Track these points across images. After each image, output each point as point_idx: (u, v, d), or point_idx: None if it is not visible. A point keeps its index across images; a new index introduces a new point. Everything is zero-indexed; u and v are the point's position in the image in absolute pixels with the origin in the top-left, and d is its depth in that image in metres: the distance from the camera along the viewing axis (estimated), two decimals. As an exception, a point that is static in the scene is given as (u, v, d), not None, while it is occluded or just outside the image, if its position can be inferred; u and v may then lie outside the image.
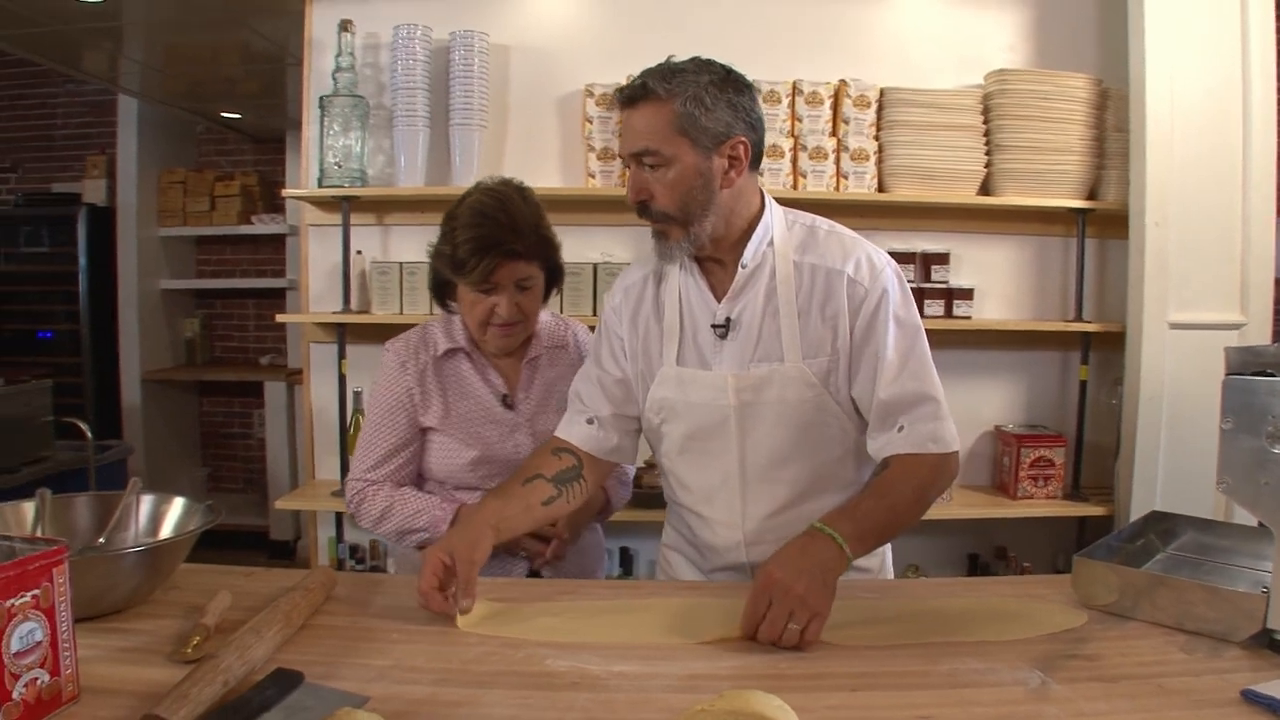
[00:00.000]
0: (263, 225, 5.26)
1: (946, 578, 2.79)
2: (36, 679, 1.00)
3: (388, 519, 1.79)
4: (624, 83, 2.76)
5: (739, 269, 1.51)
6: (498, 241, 1.65)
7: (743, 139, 1.44)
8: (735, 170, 1.45)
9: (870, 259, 1.50)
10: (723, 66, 1.46)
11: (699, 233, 1.46)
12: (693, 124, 1.41)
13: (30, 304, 5.11)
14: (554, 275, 1.80)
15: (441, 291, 1.82)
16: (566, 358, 1.89)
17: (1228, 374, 1.28)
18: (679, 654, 1.21)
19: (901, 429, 1.46)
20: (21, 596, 0.99)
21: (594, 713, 1.03)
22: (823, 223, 1.56)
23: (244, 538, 4.96)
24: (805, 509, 1.51)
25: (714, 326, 1.52)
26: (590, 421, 1.62)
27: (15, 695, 0.97)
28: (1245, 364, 1.28)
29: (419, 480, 1.88)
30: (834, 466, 1.55)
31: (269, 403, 5.16)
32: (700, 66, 1.44)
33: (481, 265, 1.66)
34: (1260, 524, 1.30)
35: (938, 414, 1.47)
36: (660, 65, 1.45)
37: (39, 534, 1.45)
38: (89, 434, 3.48)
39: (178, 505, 1.53)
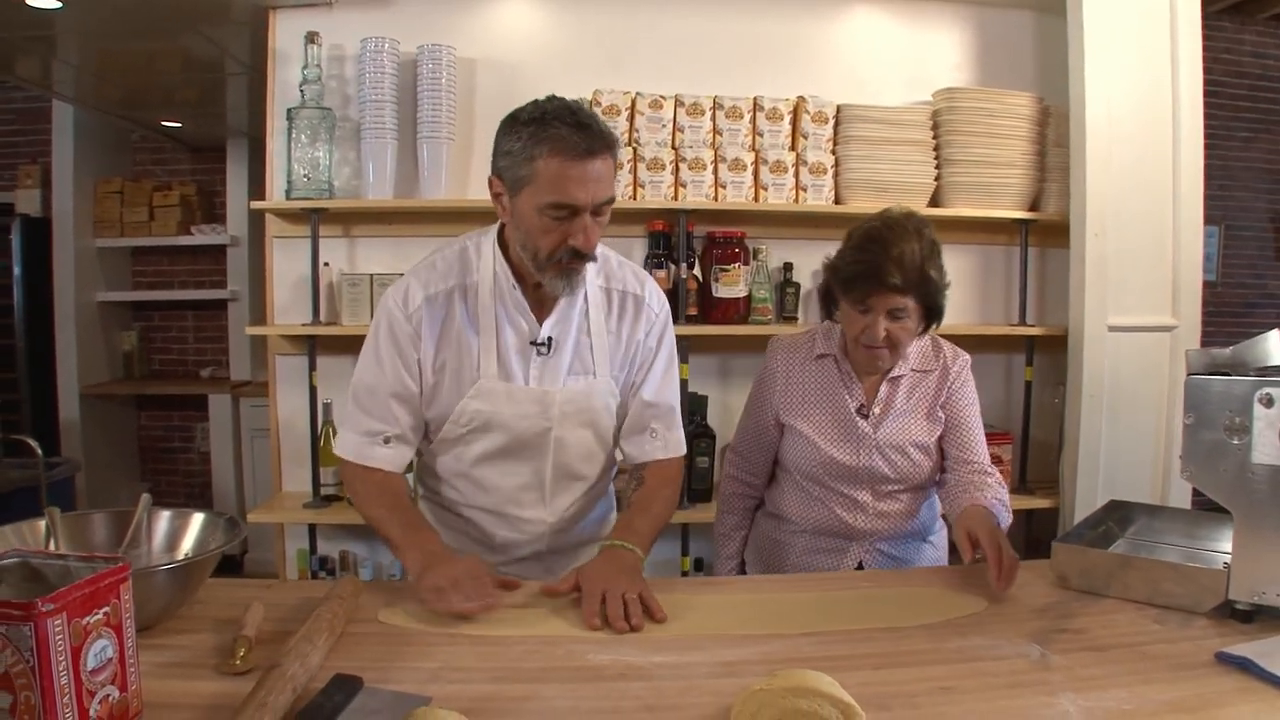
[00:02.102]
0: (202, 236, 5.16)
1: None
2: (109, 696, 1.02)
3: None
4: (589, 98, 2.92)
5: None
6: (877, 269, 1.68)
7: None
8: None
9: (659, 290, 1.76)
10: None
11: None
12: (614, 169, 1.53)
13: (-38, 317, 4.91)
14: (932, 313, 1.78)
15: (827, 298, 1.85)
16: (929, 382, 1.88)
17: (1189, 374, 1.43)
18: (705, 644, 1.29)
19: (654, 433, 1.73)
20: (95, 614, 1.00)
21: (648, 700, 1.11)
22: (610, 252, 1.73)
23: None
24: (593, 493, 1.78)
25: (535, 344, 1.62)
26: (386, 442, 1.62)
27: (92, 713, 0.99)
28: (1204, 366, 1.42)
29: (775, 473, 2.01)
30: (612, 454, 1.78)
31: (213, 416, 5.06)
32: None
33: (857, 289, 1.72)
34: (1199, 507, 1.45)
35: (680, 424, 1.78)
36: (580, 109, 1.48)
37: (52, 550, 1.46)
38: (39, 451, 3.39)
39: (196, 520, 1.56)
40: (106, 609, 1.03)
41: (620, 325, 1.69)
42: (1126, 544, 1.75)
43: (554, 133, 1.42)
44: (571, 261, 1.51)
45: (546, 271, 1.53)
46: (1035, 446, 3.19)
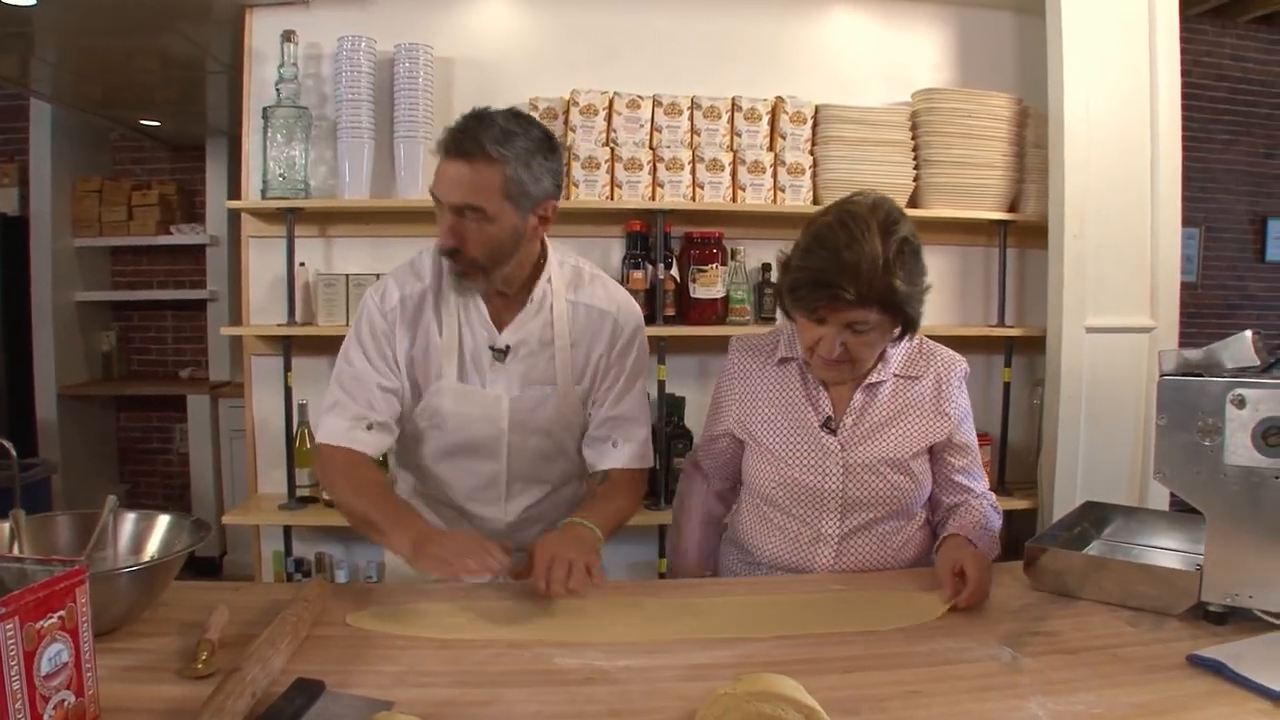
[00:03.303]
0: (182, 236, 5.12)
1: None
2: (64, 701, 1.00)
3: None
4: (566, 97, 2.90)
5: (528, 303, 1.66)
6: (827, 282, 1.45)
7: (554, 200, 1.61)
8: (543, 226, 1.62)
9: (629, 303, 1.76)
10: (542, 128, 1.59)
11: (497, 278, 1.61)
12: (519, 189, 1.53)
13: (-63, 317, 4.86)
14: (905, 324, 1.55)
15: (782, 297, 1.60)
16: (918, 391, 1.67)
17: (1162, 375, 1.42)
18: (675, 648, 1.28)
19: (615, 444, 1.72)
20: (49, 618, 0.99)
21: (614, 705, 1.10)
22: (586, 264, 1.76)
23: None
24: (558, 496, 1.80)
25: (494, 350, 1.66)
26: (370, 428, 1.64)
27: (46, 718, 0.97)
28: (1177, 366, 1.42)
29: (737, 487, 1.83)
30: (577, 460, 1.79)
31: (192, 417, 5.02)
32: (525, 127, 1.55)
33: (804, 301, 1.50)
34: (1177, 508, 1.45)
35: (647, 438, 1.76)
36: (488, 119, 1.52)
37: (16, 553, 1.44)
38: (13, 453, 3.35)
39: (162, 522, 1.54)
40: (61, 613, 1.01)
41: (584, 338, 1.70)
42: (1102, 545, 1.75)
43: (444, 133, 1.54)
44: (451, 262, 1.57)
45: (449, 274, 1.61)
46: (1013, 448, 3.19)
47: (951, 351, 1.73)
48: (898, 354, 1.66)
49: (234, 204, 2.96)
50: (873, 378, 1.64)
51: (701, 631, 1.34)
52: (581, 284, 1.71)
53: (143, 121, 4.93)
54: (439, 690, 1.14)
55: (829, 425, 1.64)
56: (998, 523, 1.69)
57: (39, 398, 4.88)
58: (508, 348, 1.66)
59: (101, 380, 5.29)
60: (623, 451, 1.72)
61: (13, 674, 0.94)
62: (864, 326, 1.50)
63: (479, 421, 1.67)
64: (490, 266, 1.58)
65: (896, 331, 1.57)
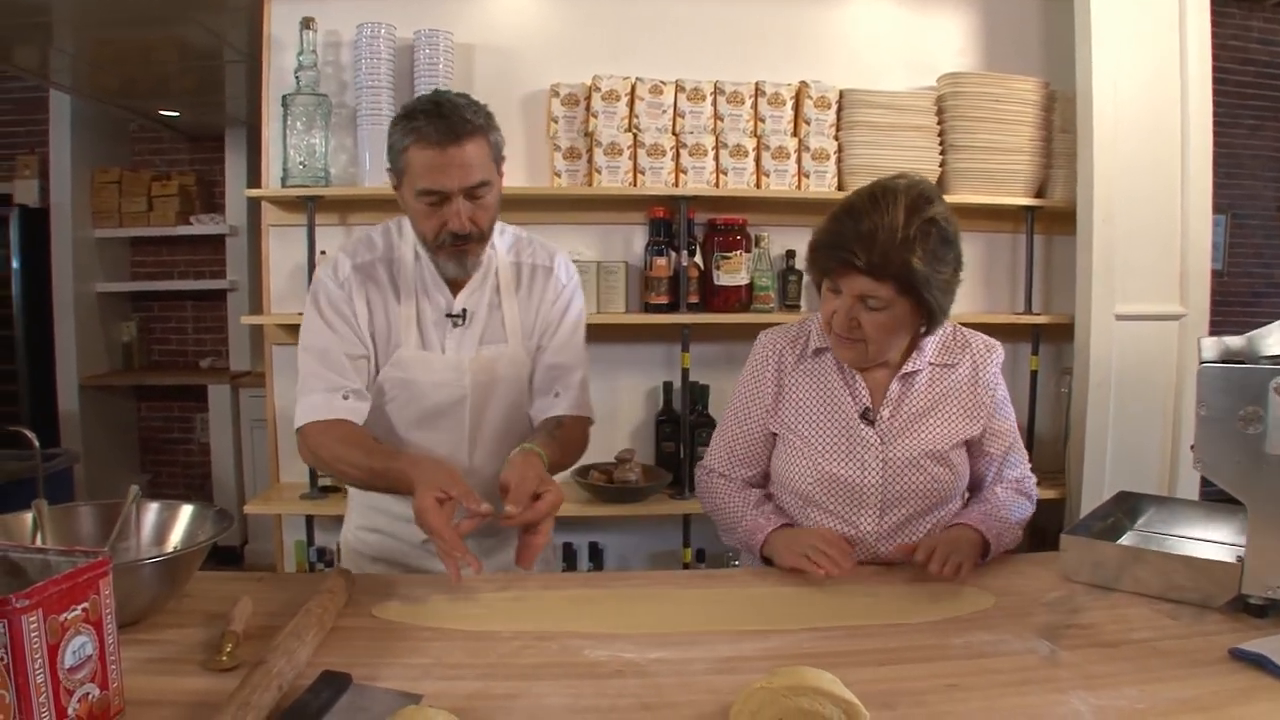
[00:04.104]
0: (201, 226, 5.14)
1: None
2: (88, 694, 0.99)
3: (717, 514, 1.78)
4: (588, 83, 2.88)
5: (478, 267, 1.69)
6: (840, 245, 1.47)
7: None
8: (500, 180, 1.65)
9: (569, 263, 1.81)
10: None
11: (489, 243, 1.68)
12: (497, 150, 1.60)
13: (-40, 308, 4.90)
14: (927, 312, 1.51)
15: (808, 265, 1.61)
16: (955, 379, 1.64)
17: (1201, 363, 1.39)
18: (705, 640, 1.26)
19: (558, 394, 1.74)
20: (73, 610, 0.98)
21: (645, 698, 1.08)
22: (522, 230, 1.81)
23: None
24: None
25: (450, 316, 1.69)
26: (346, 398, 1.63)
27: (70, 711, 0.96)
28: (1217, 354, 1.39)
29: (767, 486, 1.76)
30: (527, 420, 1.78)
31: (213, 407, 5.04)
32: (466, 96, 1.59)
33: (819, 263, 1.53)
34: (1207, 497, 1.41)
35: (585, 385, 1.78)
36: (448, 100, 1.55)
37: (38, 544, 1.43)
38: (36, 443, 3.36)
39: (185, 512, 1.52)
40: (85, 605, 1.00)
41: (530, 295, 1.75)
42: (1136, 536, 1.72)
43: (416, 125, 1.52)
44: (455, 244, 1.59)
45: (437, 254, 1.63)
46: (1041, 437, 3.15)
47: (987, 338, 1.69)
48: (932, 342, 1.63)
49: (254, 192, 2.94)
50: (908, 366, 1.61)
51: (732, 623, 1.32)
52: (521, 246, 1.78)
53: (161, 112, 4.94)
54: (467, 683, 1.12)
55: (867, 416, 1.60)
56: (1023, 510, 1.67)
57: (60, 388, 4.91)
58: (464, 312, 1.70)
59: (122, 370, 5.33)
60: (566, 400, 1.74)
61: (36, 667, 0.93)
62: (877, 302, 1.48)
63: (442, 387, 1.69)
64: (489, 234, 1.65)
65: (918, 319, 1.54)
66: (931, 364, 1.63)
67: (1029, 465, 1.74)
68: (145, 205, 5.10)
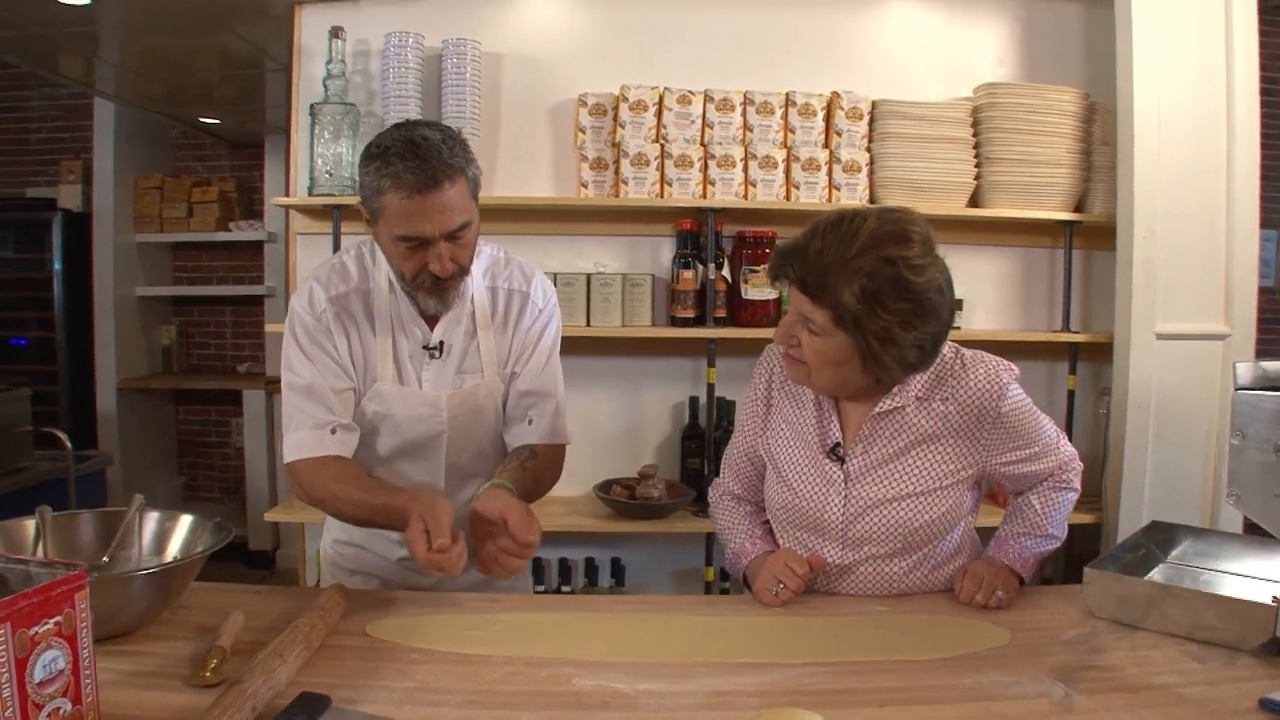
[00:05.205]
0: (240, 232, 5.20)
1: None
2: (59, 709, 0.97)
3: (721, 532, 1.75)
4: (615, 93, 2.85)
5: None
6: (789, 253, 1.40)
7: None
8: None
9: (546, 284, 1.76)
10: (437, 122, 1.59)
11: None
12: (476, 185, 1.55)
13: (5, 311, 5.00)
14: (868, 354, 1.38)
15: None
16: (949, 415, 1.48)
17: (1237, 389, 1.31)
18: (699, 671, 1.21)
19: (531, 421, 1.70)
20: (44, 624, 0.96)
21: (627, 733, 1.03)
22: (498, 249, 1.75)
23: (222, 548, 4.88)
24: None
25: (428, 348, 1.65)
26: (334, 432, 1.60)
27: (39, 724, 0.95)
28: (1255, 380, 1.31)
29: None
30: (503, 446, 1.75)
31: (248, 411, 5.09)
32: (440, 127, 1.52)
33: (770, 267, 1.46)
34: (1252, 530, 1.33)
35: (559, 411, 1.72)
36: (423, 140, 1.46)
37: (40, 552, 1.43)
38: (68, 444, 3.41)
39: (184, 522, 1.52)
40: (58, 618, 0.98)
41: (506, 323, 1.71)
42: (1168, 570, 1.63)
43: (393, 170, 1.44)
44: (435, 283, 1.54)
45: (416, 291, 1.58)
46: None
47: (993, 365, 1.49)
48: (920, 377, 1.48)
49: (280, 200, 2.96)
50: (885, 404, 1.47)
51: (730, 654, 1.26)
52: (498, 269, 1.73)
53: (202, 119, 5.01)
54: (449, 710, 1.09)
55: (835, 453, 1.51)
56: (1064, 508, 1.58)
57: (100, 390, 4.99)
58: (441, 344, 1.66)
59: (161, 374, 5.40)
60: (539, 428, 1.70)
61: (3, 680, 0.91)
62: (815, 326, 1.38)
63: (421, 421, 1.66)
64: (469, 268, 1.61)
65: (864, 363, 1.39)
66: (918, 399, 1.48)
67: (1066, 446, 1.59)
68: (186, 211, 5.17)
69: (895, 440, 1.49)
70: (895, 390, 1.47)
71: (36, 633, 0.95)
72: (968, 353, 1.52)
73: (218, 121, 5.05)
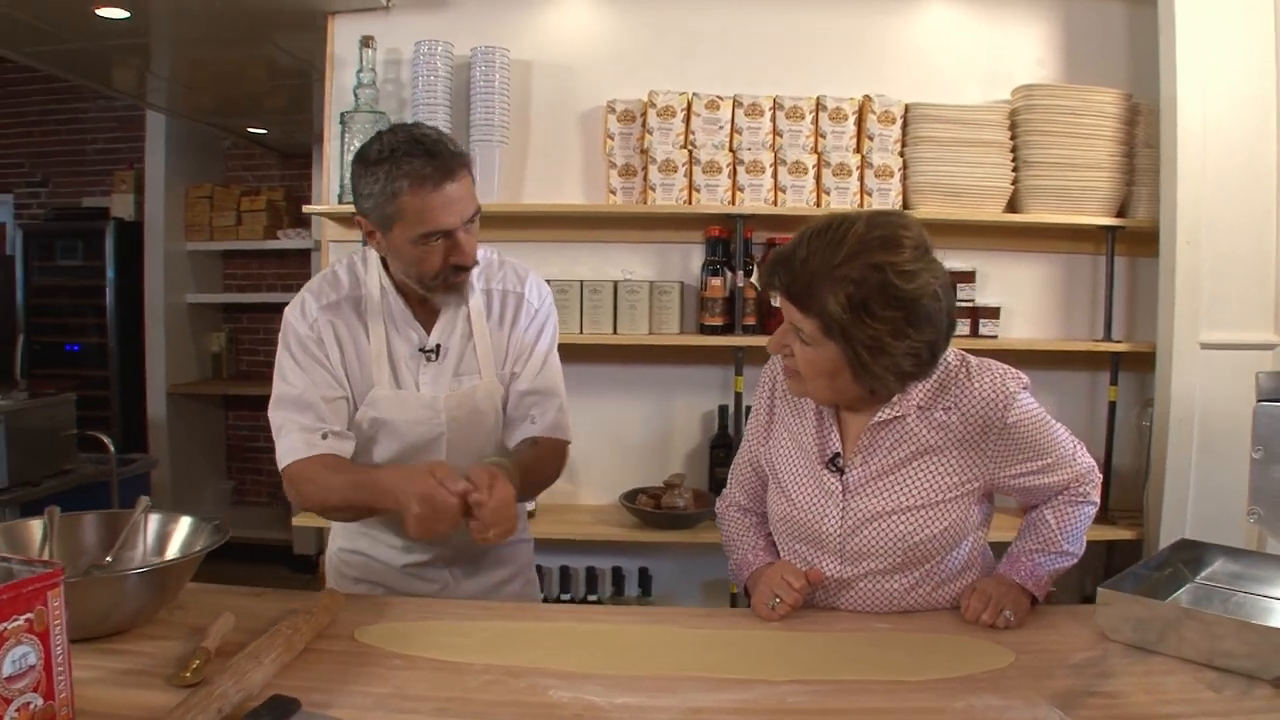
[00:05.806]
0: (288, 240, 5.31)
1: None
2: (29, 703, 0.99)
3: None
4: (644, 99, 2.83)
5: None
6: (779, 260, 1.37)
7: None
8: None
9: (540, 285, 1.77)
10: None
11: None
12: (472, 179, 1.55)
13: (60, 317, 5.17)
14: (859, 365, 1.34)
15: None
16: (953, 425, 1.43)
17: (1259, 401, 1.24)
18: (681, 686, 1.18)
19: (533, 419, 1.69)
20: (14, 620, 0.98)
21: (596, 747, 1.01)
22: (491, 252, 1.75)
23: (268, 551, 4.96)
24: None
25: (424, 351, 1.66)
26: (325, 437, 1.60)
27: (7, 718, 0.96)
28: (1276, 390, 1.23)
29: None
30: (504, 444, 1.74)
31: (293, 417, 5.18)
32: (426, 124, 1.55)
33: (761, 275, 1.49)
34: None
35: (561, 408, 1.72)
36: (429, 137, 1.49)
37: (47, 552, 1.46)
38: (111, 447, 3.50)
39: (185, 524, 1.53)
40: (29, 615, 1.00)
41: (502, 324, 1.72)
42: (1195, 590, 1.54)
43: (408, 168, 1.46)
44: (456, 276, 1.57)
45: (435, 291, 1.59)
46: (1119, 473, 2.92)
47: (1001, 373, 1.43)
48: (922, 386, 1.42)
49: (311, 209, 3.00)
50: (884, 414, 1.42)
51: (716, 668, 1.23)
52: (492, 271, 1.73)
53: (250, 130, 5.12)
54: (419, 717, 1.07)
55: (835, 464, 1.47)
56: (1082, 523, 1.51)
57: (150, 395, 5.12)
58: (438, 346, 1.66)
59: (211, 379, 5.53)
60: (540, 425, 1.70)
61: (-30, 674, 0.92)
62: (805, 336, 1.35)
63: (420, 424, 1.65)
64: (478, 259, 1.62)
65: (857, 373, 1.35)
66: (920, 408, 1.43)
67: (1084, 457, 1.51)
68: (235, 220, 5.30)
69: (895, 451, 1.44)
70: (895, 399, 1.42)
71: (6, 628, 0.97)
72: (974, 360, 1.46)
73: (265, 132, 5.17)
